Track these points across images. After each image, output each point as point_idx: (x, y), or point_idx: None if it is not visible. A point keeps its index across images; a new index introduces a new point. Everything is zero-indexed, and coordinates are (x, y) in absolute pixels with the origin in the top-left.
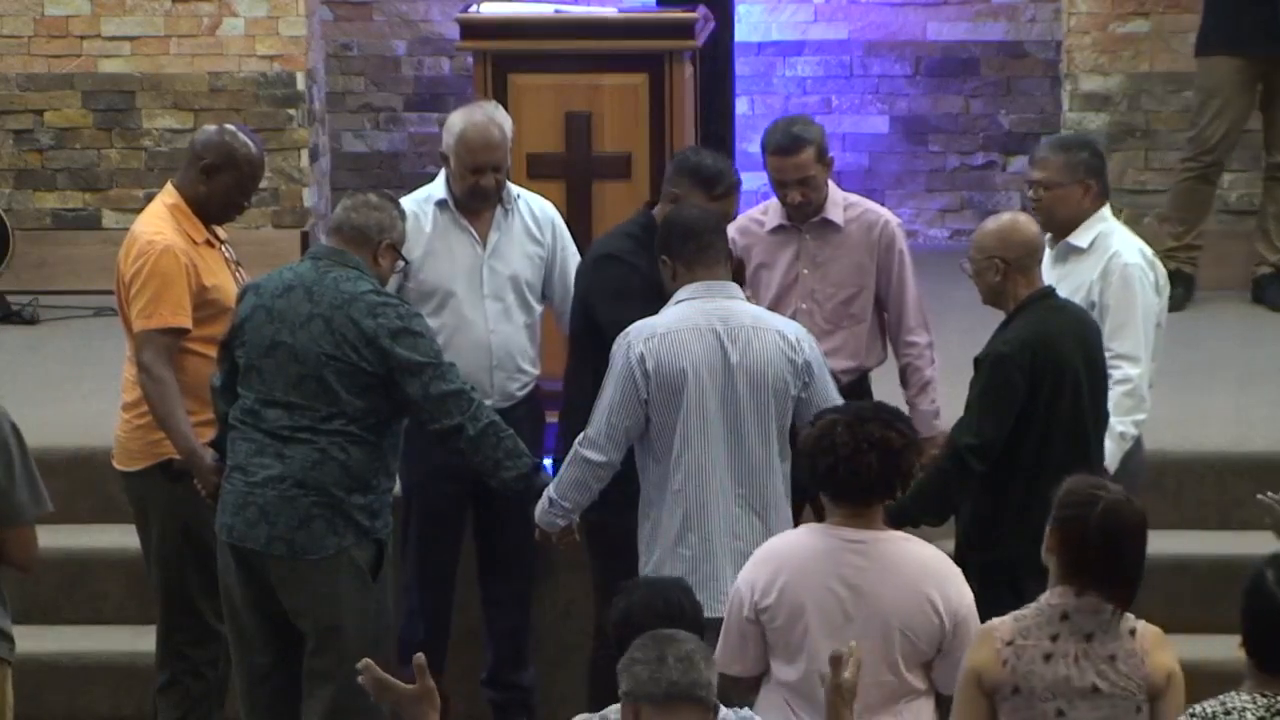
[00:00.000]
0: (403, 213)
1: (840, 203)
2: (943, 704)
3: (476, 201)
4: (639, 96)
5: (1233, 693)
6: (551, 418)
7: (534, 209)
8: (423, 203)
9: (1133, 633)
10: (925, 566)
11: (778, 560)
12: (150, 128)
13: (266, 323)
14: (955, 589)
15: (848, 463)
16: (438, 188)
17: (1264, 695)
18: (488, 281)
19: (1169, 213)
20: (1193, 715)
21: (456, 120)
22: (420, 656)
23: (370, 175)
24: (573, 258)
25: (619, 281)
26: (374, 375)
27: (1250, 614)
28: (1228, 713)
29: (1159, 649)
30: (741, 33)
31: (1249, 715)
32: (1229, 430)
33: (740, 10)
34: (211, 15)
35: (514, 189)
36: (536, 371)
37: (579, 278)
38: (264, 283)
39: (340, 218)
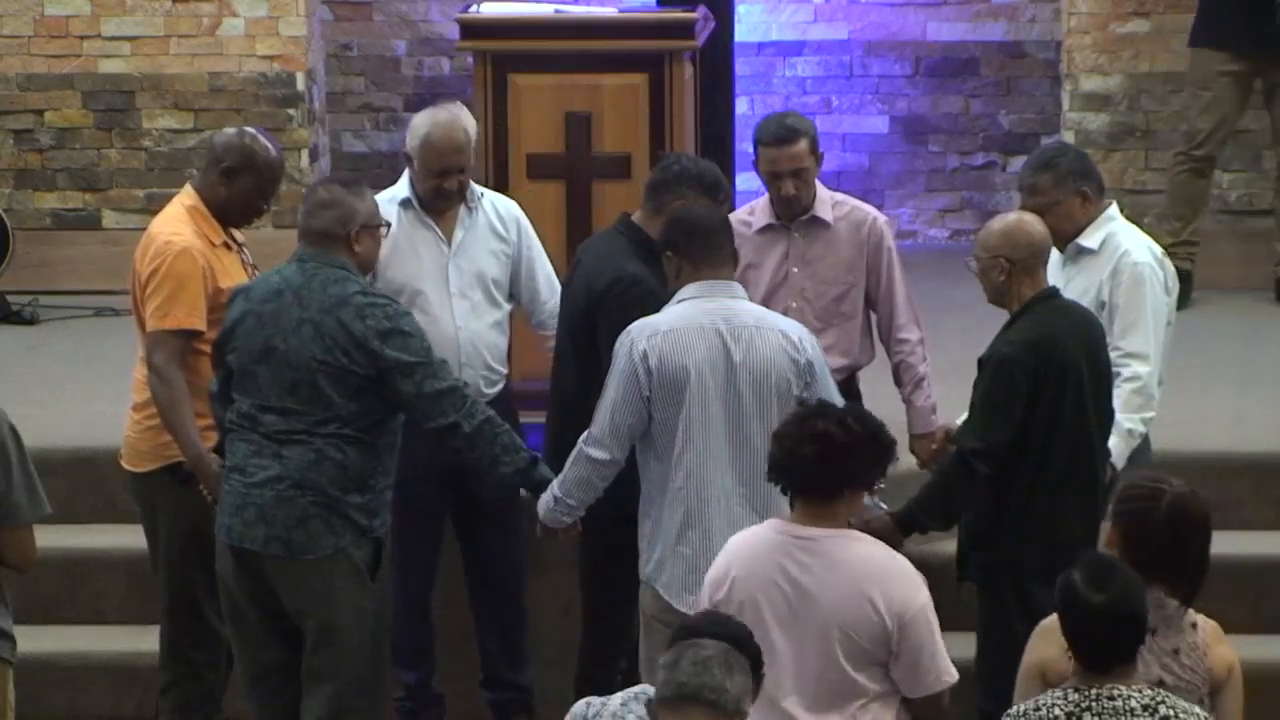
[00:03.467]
0: (360, 189)
1: (829, 200)
2: (910, 707)
3: (439, 202)
4: (639, 96)
5: (1051, 691)
6: (526, 417)
7: (499, 208)
8: (388, 203)
9: (1194, 626)
10: (869, 566)
11: (731, 555)
12: (150, 128)
13: (257, 328)
14: (900, 590)
15: (790, 455)
16: (402, 188)
17: (1077, 690)
18: (453, 279)
19: (1165, 209)
20: (1008, 716)
21: (421, 122)
22: None
23: (370, 175)
24: (539, 256)
25: (645, 306)
26: (366, 377)
27: (1067, 619)
28: (1038, 709)
29: (1219, 642)
30: (741, 33)
31: (1057, 710)
32: (1229, 430)
33: (740, 10)
34: (211, 15)
35: (478, 188)
36: (505, 370)
37: (590, 296)
38: (253, 287)
39: (303, 225)
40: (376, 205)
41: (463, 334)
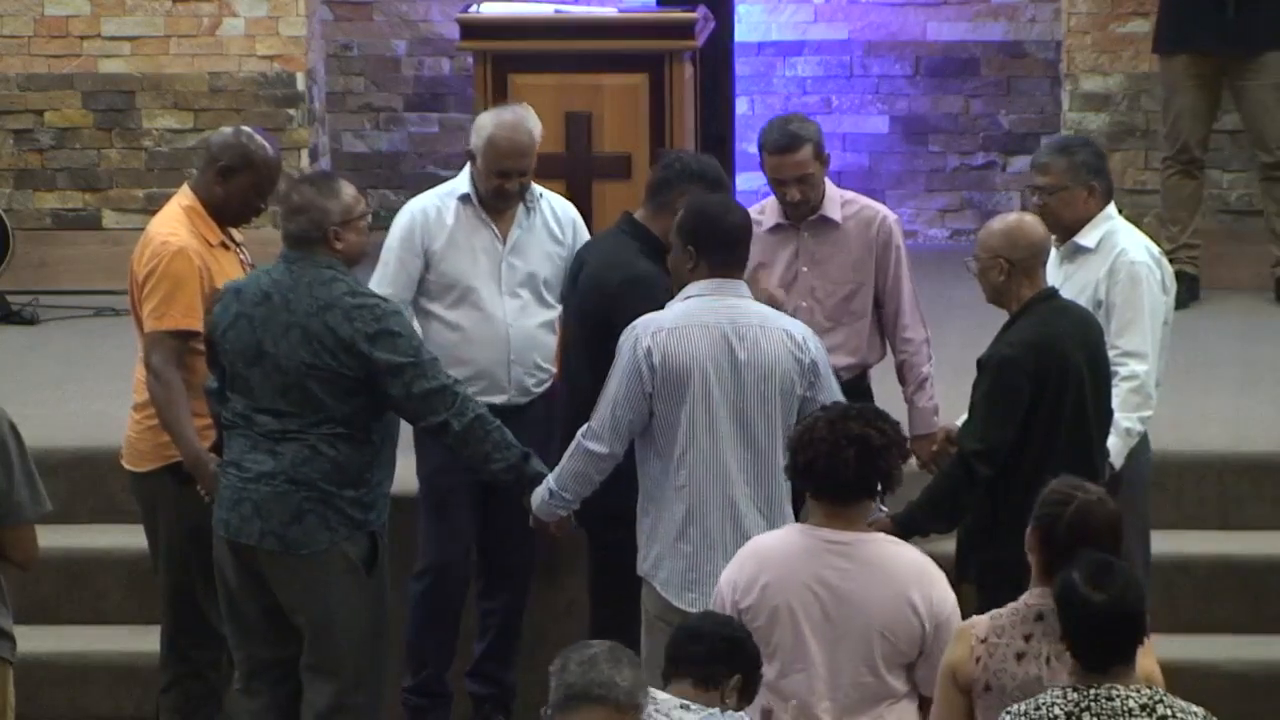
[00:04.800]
0: (331, 186)
1: (838, 199)
2: (925, 706)
3: (500, 202)
4: (639, 96)
5: (1050, 690)
6: None
7: (556, 209)
8: (446, 196)
9: None
10: (907, 569)
11: (759, 560)
12: (150, 128)
13: (248, 331)
14: (937, 591)
15: (826, 459)
16: (462, 182)
17: (1075, 690)
18: (506, 277)
19: (1162, 215)
20: (1008, 713)
21: (487, 122)
22: None
23: (370, 175)
24: None
25: (660, 304)
26: (356, 379)
27: (1067, 618)
28: (1038, 708)
29: (1143, 655)
30: (741, 33)
31: (1057, 709)
32: (1229, 430)
33: (740, 10)
34: (211, 15)
35: (536, 188)
36: (554, 370)
37: (602, 296)
38: (244, 288)
39: (283, 230)
40: (352, 197)
41: (513, 331)
